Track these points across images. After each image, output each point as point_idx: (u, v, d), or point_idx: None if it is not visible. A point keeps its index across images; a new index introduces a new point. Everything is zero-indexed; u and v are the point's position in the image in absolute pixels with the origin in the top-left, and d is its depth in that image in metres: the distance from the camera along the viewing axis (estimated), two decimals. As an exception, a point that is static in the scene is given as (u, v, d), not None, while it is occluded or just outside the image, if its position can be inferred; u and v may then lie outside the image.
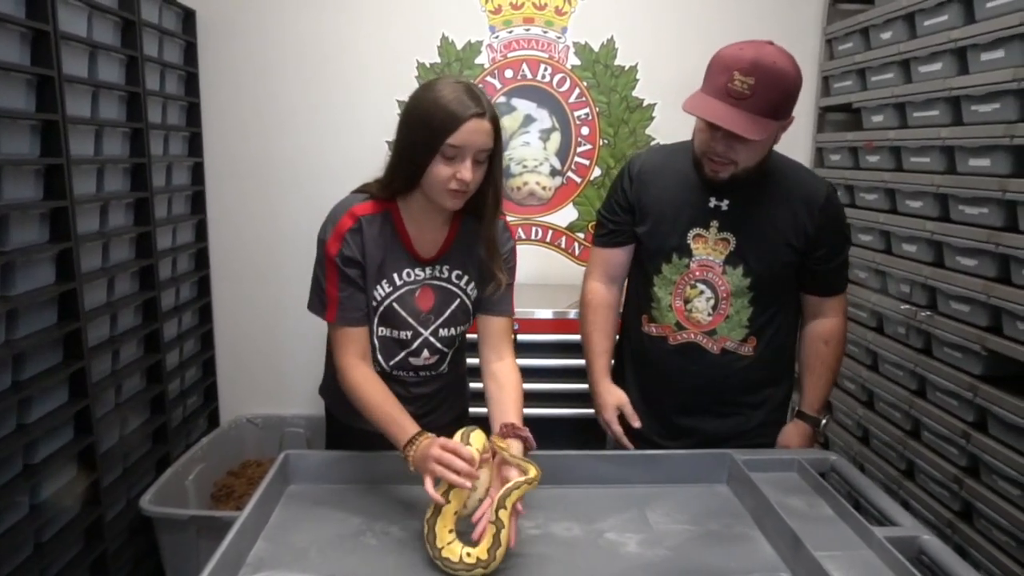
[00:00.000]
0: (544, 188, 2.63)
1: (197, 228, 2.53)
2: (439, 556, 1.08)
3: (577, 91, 2.60)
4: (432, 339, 1.39)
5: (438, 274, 1.38)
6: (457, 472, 1.08)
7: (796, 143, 2.61)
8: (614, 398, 1.53)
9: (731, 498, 1.30)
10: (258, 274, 2.63)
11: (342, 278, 1.31)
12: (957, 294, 1.77)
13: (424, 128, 1.22)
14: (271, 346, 2.68)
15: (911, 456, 1.94)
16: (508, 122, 2.61)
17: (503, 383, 1.36)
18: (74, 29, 1.71)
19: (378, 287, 1.34)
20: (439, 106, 1.21)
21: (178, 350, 2.35)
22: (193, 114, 2.47)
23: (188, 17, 2.41)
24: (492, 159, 1.26)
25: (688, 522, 1.22)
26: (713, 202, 1.42)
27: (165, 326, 2.21)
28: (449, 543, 1.10)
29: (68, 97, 1.66)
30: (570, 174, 2.65)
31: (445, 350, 1.42)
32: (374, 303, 1.35)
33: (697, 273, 1.45)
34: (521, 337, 2.23)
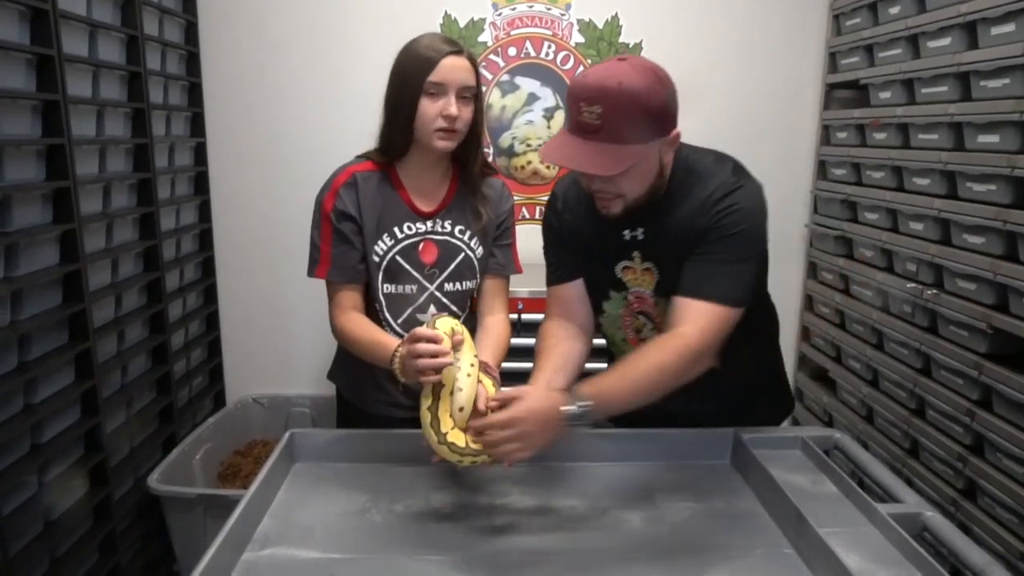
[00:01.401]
0: (548, 167, 2.62)
1: (201, 209, 2.52)
2: (444, 441, 1.09)
3: (581, 69, 2.57)
4: (438, 294, 1.42)
5: (440, 228, 1.41)
6: (433, 356, 1.11)
7: (802, 121, 2.59)
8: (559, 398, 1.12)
9: (735, 476, 1.30)
10: (262, 254, 2.63)
11: (335, 234, 1.35)
12: (963, 272, 1.76)
13: (406, 75, 1.30)
14: (276, 326, 2.69)
15: (915, 435, 1.94)
16: (511, 101, 2.59)
17: (489, 329, 1.43)
18: (73, 8, 1.70)
19: (379, 242, 1.37)
20: (416, 52, 1.31)
21: (183, 331, 2.36)
22: (195, 94, 2.46)
23: (188, -4, 2.39)
24: (475, 102, 1.33)
25: (692, 499, 1.22)
26: (628, 234, 1.29)
27: (170, 307, 2.21)
28: (452, 428, 1.11)
29: (69, 77, 1.65)
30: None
31: (454, 308, 1.44)
32: (376, 258, 1.38)
33: (636, 305, 1.35)
34: (526, 316, 2.23)
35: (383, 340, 1.30)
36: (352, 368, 1.47)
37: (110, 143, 1.90)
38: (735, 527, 1.14)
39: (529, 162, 2.62)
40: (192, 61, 2.44)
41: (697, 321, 1.15)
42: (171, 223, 2.29)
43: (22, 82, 1.54)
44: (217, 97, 2.52)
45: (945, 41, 1.85)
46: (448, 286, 1.42)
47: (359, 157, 1.42)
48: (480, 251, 1.44)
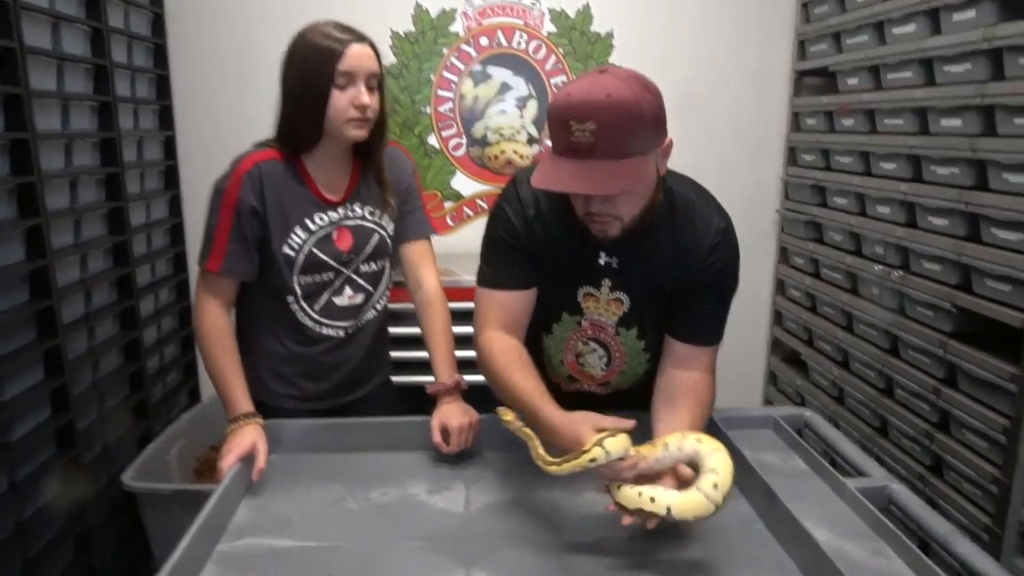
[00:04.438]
0: (521, 157, 2.62)
1: (171, 203, 2.49)
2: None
3: (553, 58, 2.58)
4: (354, 276, 1.41)
5: (351, 214, 1.39)
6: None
7: (772, 108, 2.62)
8: (591, 421, 1.05)
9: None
10: (235, 249, 2.60)
11: (236, 227, 1.31)
12: (929, 253, 1.80)
13: (311, 67, 1.26)
14: (251, 321, 2.66)
15: (884, 413, 1.98)
16: (484, 91, 2.59)
17: (433, 311, 1.46)
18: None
19: (292, 236, 1.34)
20: (317, 43, 1.27)
21: (155, 326, 2.33)
22: (163, 87, 2.42)
23: (153, -14, 2.35)
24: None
25: (665, 480, 1.24)
26: (603, 259, 1.21)
27: (141, 302, 2.19)
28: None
29: (31, 70, 1.62)
30: (547, 141, 2.63)
31: (368, 287, 1.44)
32: (291, 252, 1.34)
33: (589, 332, 1.28)
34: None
35: (235, 391, 1.31)
36: (248, 360, 1.38)
37: (76, 137, 1.87)
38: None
39: (502, 152, 2.62)
40: (159, 54, 2.40)
41: (709, 367, 1.22)
42: (141, 218, 2.26)
43: (-18, 75, 1.51)
44: (186, 89, 2.49)
45: (910, 28, 1.89)
46: (364, 267, 1.42)
47: (259, 145, 1.36)
48: (391, 227, 1.45)
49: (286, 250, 1.33)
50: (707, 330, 1.22)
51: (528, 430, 1.08)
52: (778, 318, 2.72)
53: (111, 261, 2.06)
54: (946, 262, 1.74)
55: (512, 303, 1.23)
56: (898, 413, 1.91)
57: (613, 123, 1.01)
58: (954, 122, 1.73)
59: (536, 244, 1.21)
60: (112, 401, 2.04)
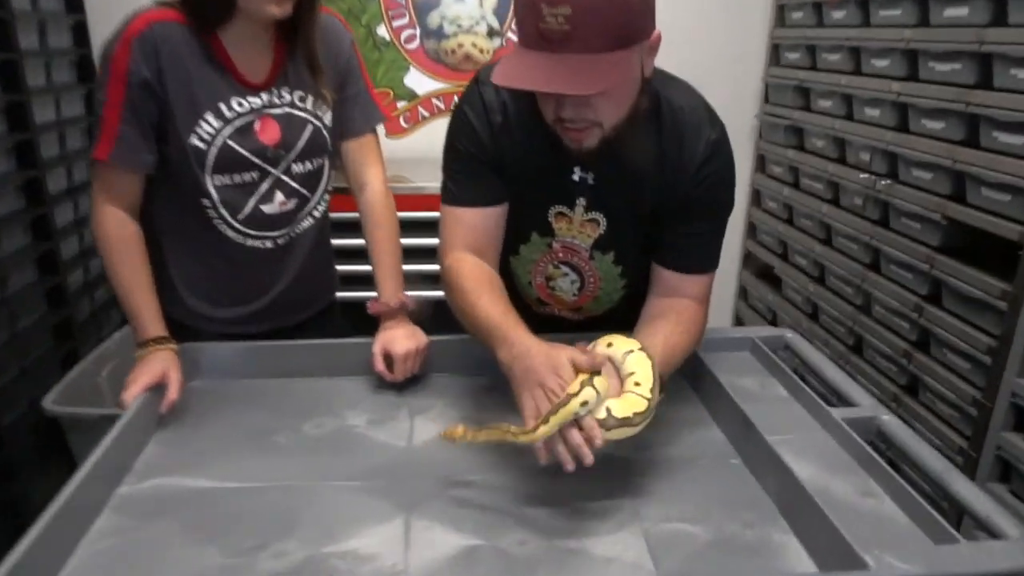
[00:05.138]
0: (481, 51, 2.37)
1: (87, 99, 2.22)
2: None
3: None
4: (285, 178, 1.20)
5: (276, 100, 1.16)
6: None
7: (754, 1, 2.40)
8: (569, 352, 0.89)
9: (679, 379, 1.20)
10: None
11: (126, 105, 1.06)
12: (920, 160, 1.66)
13: None
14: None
15: (861, 331, 1.89)
16: (440, -26, 2.31)
17: (371, 236, 1.29)
18: None
19: (201, 124, 1.11)
20: None
21: (76, 237, 2.11)
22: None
23: None
24: None
25: (632, 408, 1.12)
26: (578, 174, 1.06)
27: (56, 210, 1.96)
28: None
29: None
30: (510, 35, 2.38)
31: (303, 191, 1.23)
32: (200, 144, 1.11)
33: (560, 255, 1.14)
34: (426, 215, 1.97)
35: (142, 312, 1.13)
36: (162, 275, 1.20)
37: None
38: (679, 436, 1.05)
39: (460, 45, 2.37)
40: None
41: (700, 296, 1.08)
42: (50, 115, 2.00)
43: None
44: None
45: (915, -99, 1.68)
46: (297, 167, 1.20)
47: (160, 2, 1.11)
48: (328, 117, 1.22)
49: (194, 141, 1.11)
50: (698, 256, 1.08)
51: (488, 428, 0.90)
52: (752, 231, 2.60)
53: (14, 163, 1.82)
54: (939, 169, 1.61)
55: (480, 222, 1.08)
56: (875, 331, 1.82)
57: (592, 7, 0.84)
58: (959, 11, 1.55)
59: (503, 155, 1.05)
60: (27, 320, 1.85)
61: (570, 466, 0.83)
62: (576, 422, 0.83)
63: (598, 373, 0.85)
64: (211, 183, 1.14)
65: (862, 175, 1.86)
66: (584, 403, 0.82)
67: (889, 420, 0.99)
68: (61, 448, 1.86)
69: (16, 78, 1.74)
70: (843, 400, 1.06)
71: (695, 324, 1.06)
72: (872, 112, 1.85)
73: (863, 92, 1.87)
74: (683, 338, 1.02)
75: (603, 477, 0.95)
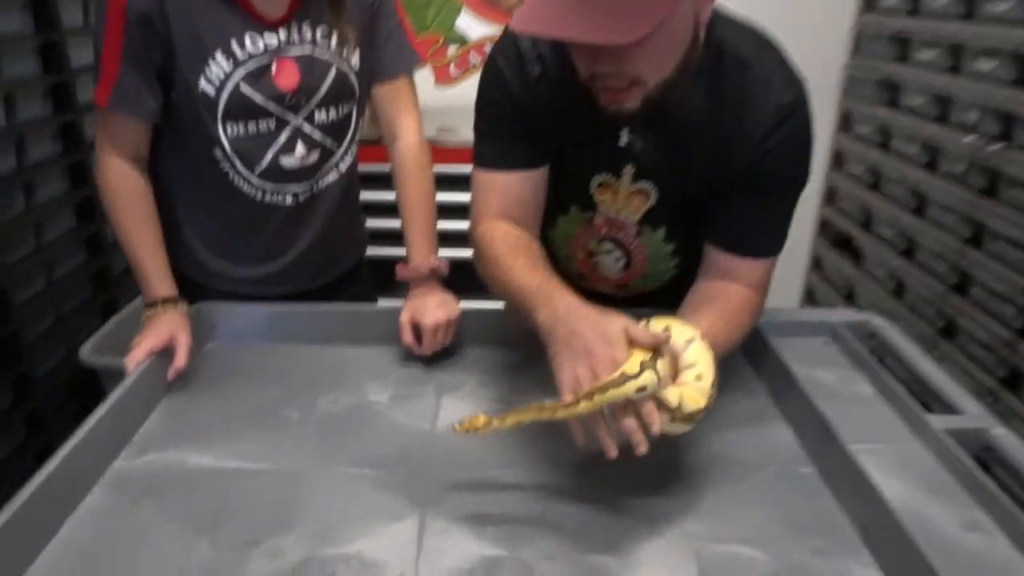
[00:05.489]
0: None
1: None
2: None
3: None
4: (307, 127, 1.07)
5: (296, 39, 1.02)
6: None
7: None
8: (624, 322, 0.75)
9: (745, 367, 1.05)
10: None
11: (127, 42, 0.95)
12: (1043, 121, 1.43)
13: None
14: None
15: (953, 315, 1.68)
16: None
17: (403, 193, 1.16)
18: None
19: (210, 65, 0.99)
20: None
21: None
22: None
23: None
24: None
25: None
26: (626, 137, 0.90)
27: (93, 156, 1.90)
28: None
29: None
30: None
31: (327, 143, 1.11)
32: (210, 89, 1.00)
33: (603, 230, 1.00)
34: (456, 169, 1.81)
35: (151, 270, 1.04)
36: (175, 232, 1.12)
37: None
38: (740, 436, 0.90)
39: (517, -15, 2.19)
40: None
41: (757, 283, 0.92)
42: (87, 56, 1.93)
43: None
44: None
45: None
46: (320, 116, 1.07)
47: None
48: (356, 59, 1.08)
49: (203, 85, 0.99)
50: (758, 237, 0.92)
51: (518, 410, 0.76)
52: (831, 196, 2.37)
53: (50, 108, 1.76)
54: (1065, 132, 1.38)
55: (515, 187, 0.95)
56: (972, 316, 1.61)
57: None
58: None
59: (540, 113, 0.91)
60: (64, 268, 1.81)
61: (613, 452, 0.71)
62: (630, 405, 0.70)
63: (660, 355, 0.72)
64: (223, 133, 1.03)
65: (967, 138, 1.63)
66: (641, 388, 0.68)
67: (1003, 435, 0.82)
68: (97, 400, 1.83)
69: (50, 18, 1.67)
70: (944, 405, 0.89)
71: (745, 315, 0.90)
72: (986, 65, 1.61)
73: (976, 41, 1.63)
74: (726, 329, 0.86)
75: (649, 481, 0.82)
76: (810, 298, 2.46)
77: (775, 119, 0.85)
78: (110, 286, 1.99)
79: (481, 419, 0.76)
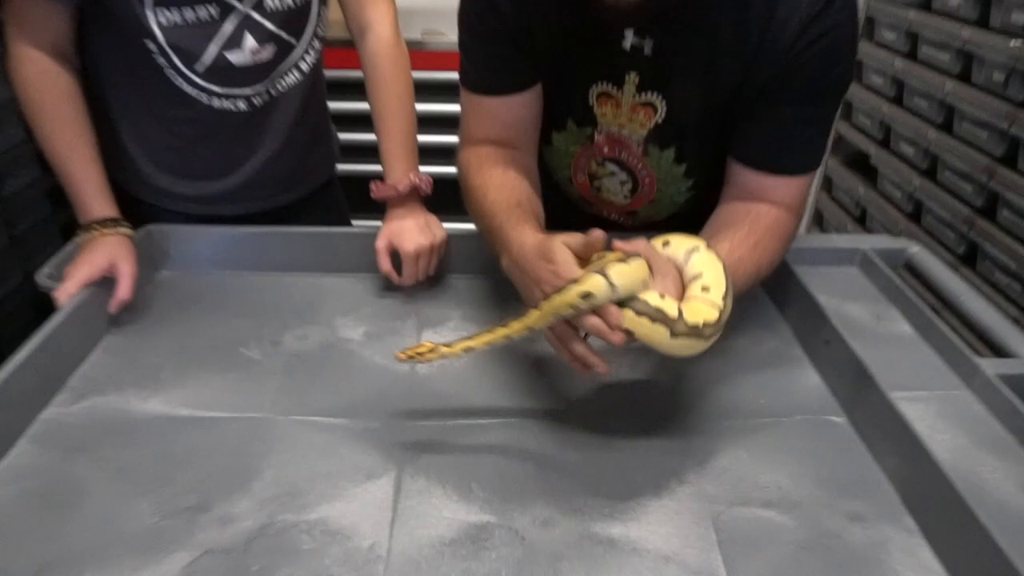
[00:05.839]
0: None
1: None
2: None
3: None
4: (256, 16, 0.91)
5: None
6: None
7: None
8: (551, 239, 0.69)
9: (766, 303, 0.94)
10: None
11: None
12: (1102, 22, 1.27)
13: None
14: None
15: (978, 240, 1.56)
16: None
17: (376, 99, 1.01)
18: None
19: None
20: None
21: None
22: None
23: None
24: None
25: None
26: (630, 40, 0.78)
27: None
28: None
29: None
30: None
31: (283, 35, 0.95)
32: None
33: (605, 150, 0.88)
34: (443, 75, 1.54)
35: (84, 185, 0.91)
36: (113, 140, 0.98)
37: None
38: (761, 380, 0.80)
39: None
40: None
41: (792, 202, 0.80)
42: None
43: None
44: None
45: None
46: (271, 2, 0.91)
47: None
48: None
49: None
50: (793, 151, 0.78)
51: (467, 337, 0.69)
52: (847, 111, 2.20)
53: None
54: None
55: (504, 111, 0.86)
56: (999, 241, 1.49)
57: None
58: None
59: (529, 16, 0.79)
60: (16, 183, 1.66)
61: (598, 366, 0.65)
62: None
63: (623, 262, 0.62)
64: (154, 20, 0.87)
65: (1013, 42, 1.47)
66: (587, 294, 0.60)
67: (1064, 382, 0.72)
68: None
69: None
70: (993, 348, 0.79)
71: (776, 239, 0.78)
72: (1037, -43, 1.43)
73: (1028, -70, 1.44)
74: (753, 253, 0.74)
75: (659, 434, 0.72)
76: (818, 222, 2.34)
77: (812, 9, 0.71)
78: (69, 204, 1.84)
79: (427, 344, 0.69)
